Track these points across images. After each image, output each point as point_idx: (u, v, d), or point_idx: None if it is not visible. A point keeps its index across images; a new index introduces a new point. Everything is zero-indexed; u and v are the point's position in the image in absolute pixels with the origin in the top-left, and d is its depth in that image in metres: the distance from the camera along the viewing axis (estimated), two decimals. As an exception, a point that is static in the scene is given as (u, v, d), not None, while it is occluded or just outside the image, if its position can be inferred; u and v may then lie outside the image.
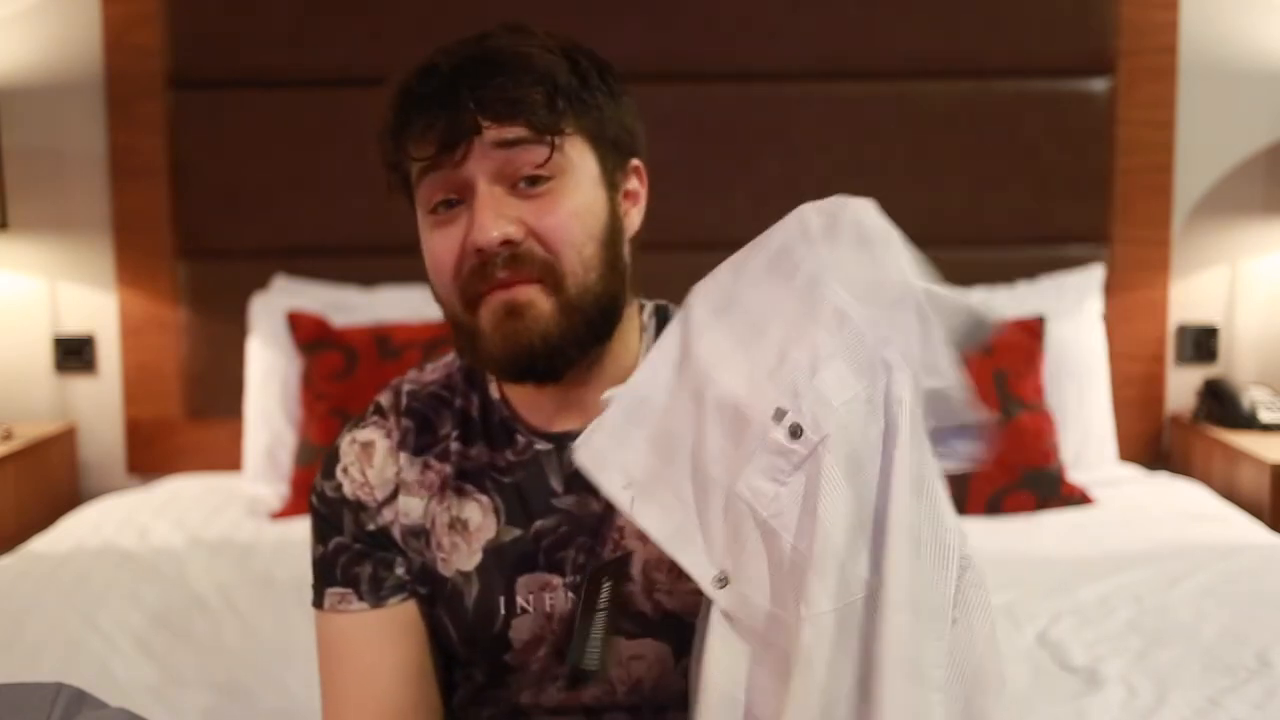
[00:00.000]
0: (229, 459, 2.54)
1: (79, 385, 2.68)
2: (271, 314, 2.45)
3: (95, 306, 2.64)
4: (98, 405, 2.68)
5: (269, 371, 2.44)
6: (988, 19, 2.56)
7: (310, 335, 2.37)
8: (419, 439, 1.04)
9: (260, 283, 2.52)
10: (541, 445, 1.01)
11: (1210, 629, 1.58)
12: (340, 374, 2.31)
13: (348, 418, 1.16)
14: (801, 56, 2.56)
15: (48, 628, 1.67)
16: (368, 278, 2.52)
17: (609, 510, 0.97)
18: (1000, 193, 2.59)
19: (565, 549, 0.99)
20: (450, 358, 1.09)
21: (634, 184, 1.02)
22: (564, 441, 0.98)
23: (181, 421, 2.63)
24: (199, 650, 1.62)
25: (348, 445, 1.06)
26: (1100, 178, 2.59)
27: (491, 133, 0.91)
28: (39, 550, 2.03)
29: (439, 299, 0.98)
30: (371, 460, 1.04)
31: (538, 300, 0.92)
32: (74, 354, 2.65)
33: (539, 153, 0.91)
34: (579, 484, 0.95)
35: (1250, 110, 2.61)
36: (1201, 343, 2.67)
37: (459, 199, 0.94)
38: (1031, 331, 2.35)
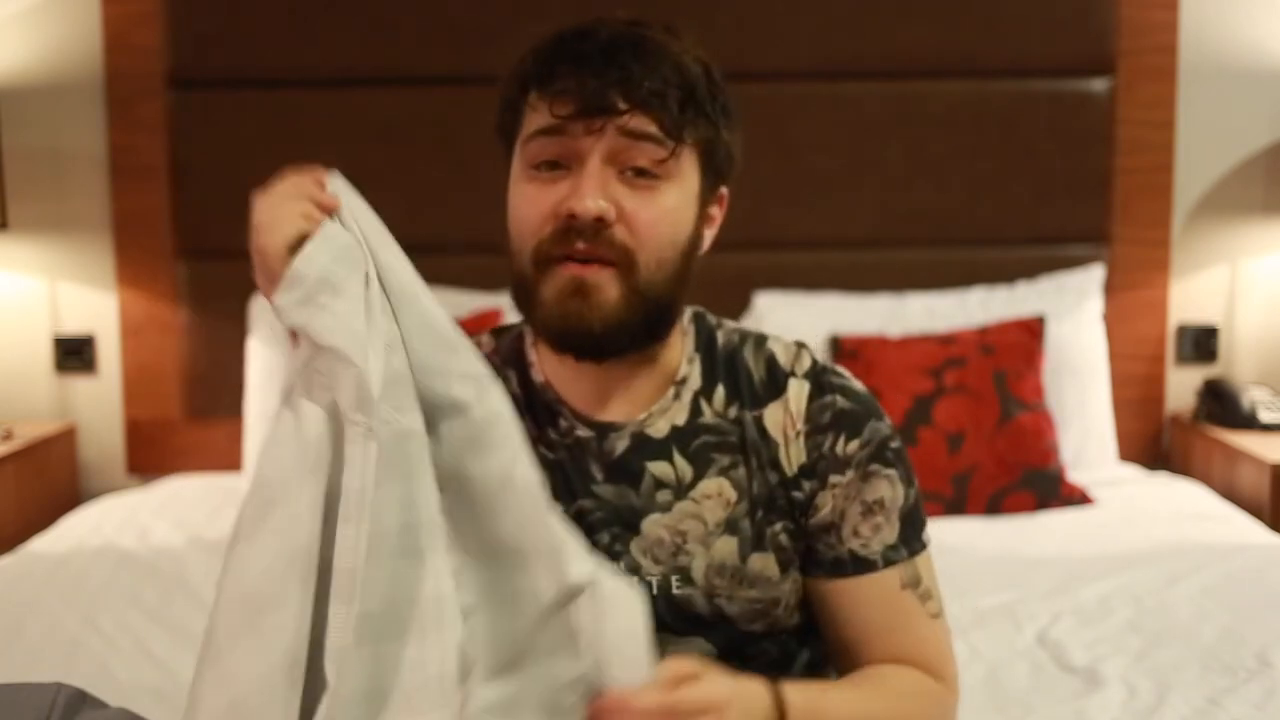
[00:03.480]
0: (229, 459, 2.54)
1: (79, 385, 2.68)
2: (272, 314, 2.45)
3: (95, 306, 2.64)
4: (98, 405, 2.68)
5: (269, 371, 2.44)
6: (988, 19, 2.56)
7: (310, 335, 2.36)
8: None
9: (260, 283, 2.52)
10: (583, 432, 1.03)
11: (1210, 629, 1.58)
12: (340, 374, 2.31)
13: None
14: (801, 56, 2.56)
15: (48, 628, 1.67)
16: (368, 278, 2.51)
17: (645, 506, 1.02)
18: (1000, 193, 2.59)
19: (599, 533, 1.02)
20: (484, 338, 1.10)
21: (715, 209, 1.05)
22: (606, 431, 1.02)
23: (181, 421, 2.63)
24: (199, 650, 1.62)
25: None
26: (1100, 178, 2.58)
27: (625, 119, 0.93)
28: (39, 550, 2.03)
29: (509, 250, 1.01)
30: None
31: (606, 285, 0.95)
32: (74, 354, 2.65)
33: (658, 151, 0.95)
34: (618, 475, 1.02)
35: (1250, 110, 2.60)
36: (1201, 343, 2.67)
37: (564, 164, 0.96)
38: (1031, 331, 2.35)
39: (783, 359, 1.06)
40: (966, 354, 2.29)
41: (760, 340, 1.08)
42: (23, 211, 2.59)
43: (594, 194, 0.93)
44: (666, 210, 0.97)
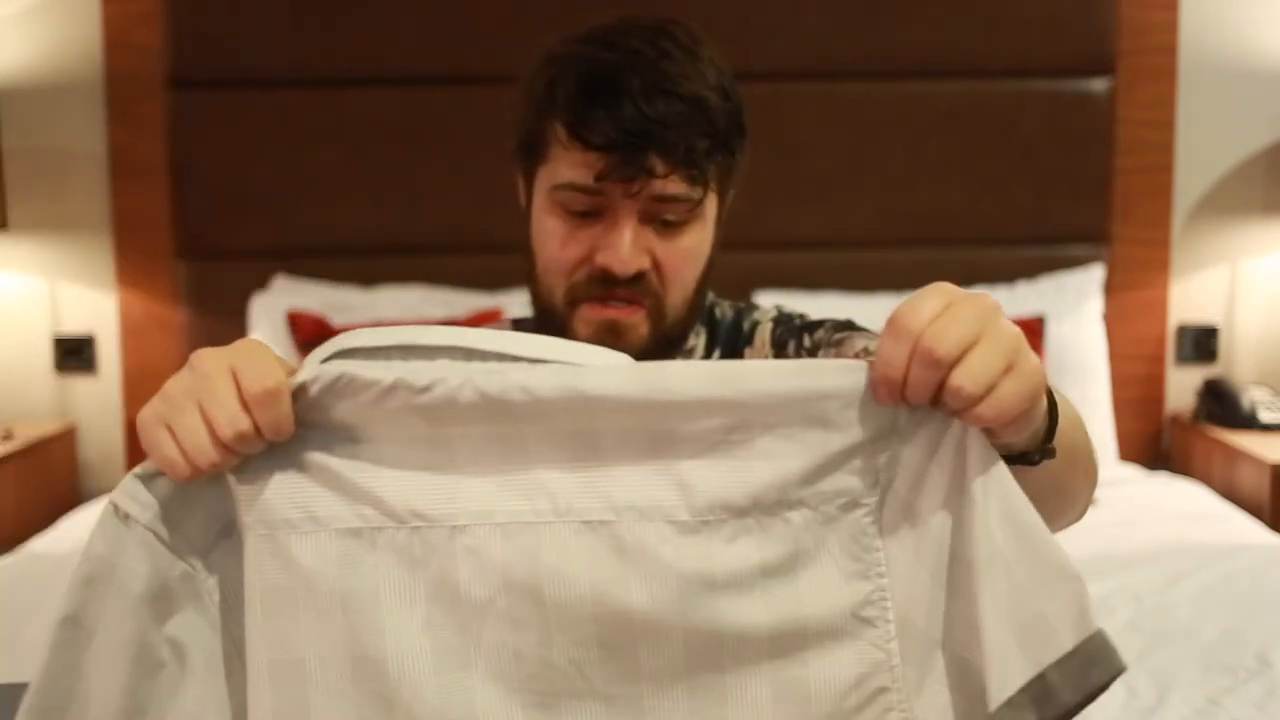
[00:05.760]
0: (229, 459, 2.54)
1: (79, 385, 2.68)
2: (271, 314, 2.45)
3: (95, 306, 2.64)
4: (98, 405, 2.68)
5: (269, 371, 2.43)
6: (988, 19, 2.56)
7: (310, 335, 2.37)
8: None
9: (260, 283, 2.52)
10: None
11: (1210, 629, 1.58)
12: (340, 374, 2.31)
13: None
14: (801, 56, 2.56)
15: (48, 628, 1.66)
16: (368, 278, 2.52)
17: None
18: (1000, 193, 2.59)
19: None
20: (507, 323, 1.14)
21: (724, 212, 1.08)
22: None
23: (181, 421, 2.62)
24: None
25: None
26: (1100, 178, 2.59)
27: (660, 184, 0.95)
28: (39, 550, 2.03)
29: (533, 274, 1.03)
30: None
31: (639, 324, 1.00)
32: (74, 354, 2.65)
33: (686, 203, 0.98)
34: None
35: (1250, 110, 2.61)
36: (1201, 343, 2.67)
37: (595, 213, 0.98)
38: (1031, 331, 2.35)
39: (757, 315, 1.12)
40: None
41: (750, 309, 1.13)
42: (23, 211, 2.59)
43: (631, 256, 0.97)
44: (690, 249, 1.00)
